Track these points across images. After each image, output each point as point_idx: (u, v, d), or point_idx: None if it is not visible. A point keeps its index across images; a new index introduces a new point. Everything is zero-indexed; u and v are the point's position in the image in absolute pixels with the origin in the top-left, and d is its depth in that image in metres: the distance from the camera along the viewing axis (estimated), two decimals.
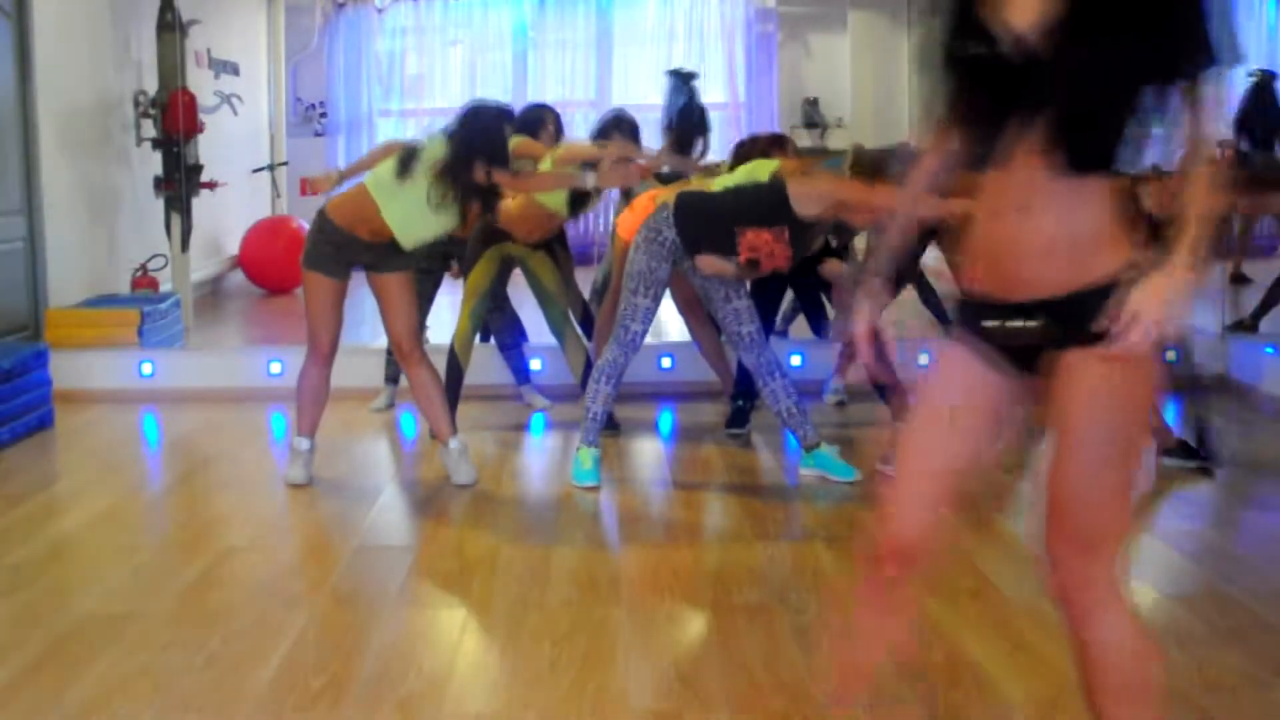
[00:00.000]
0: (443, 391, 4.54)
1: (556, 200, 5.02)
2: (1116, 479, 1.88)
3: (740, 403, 5.23)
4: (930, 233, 6.05)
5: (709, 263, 4.39)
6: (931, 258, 6.14)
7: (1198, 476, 4.46)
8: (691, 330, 5.52)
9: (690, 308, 5.42)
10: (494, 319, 5.65)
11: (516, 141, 4.91)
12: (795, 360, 5.89)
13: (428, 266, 5.18)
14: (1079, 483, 1.88)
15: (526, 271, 5.29)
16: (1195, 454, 4.51)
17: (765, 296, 5.03)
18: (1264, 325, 6.51)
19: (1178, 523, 4.19)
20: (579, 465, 4.44)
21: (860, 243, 5.42)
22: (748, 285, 4.60)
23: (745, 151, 5.03)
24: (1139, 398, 1.87)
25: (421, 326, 5.10)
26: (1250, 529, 3.98)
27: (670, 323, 5.00)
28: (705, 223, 4.40)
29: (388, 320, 4.49)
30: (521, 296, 5.62)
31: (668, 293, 4.74)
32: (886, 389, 5.20)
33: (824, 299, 5.78)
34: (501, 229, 5.12)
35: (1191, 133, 1.82)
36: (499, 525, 4.04)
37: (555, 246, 5.34)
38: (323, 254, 4.35)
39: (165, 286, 7.34)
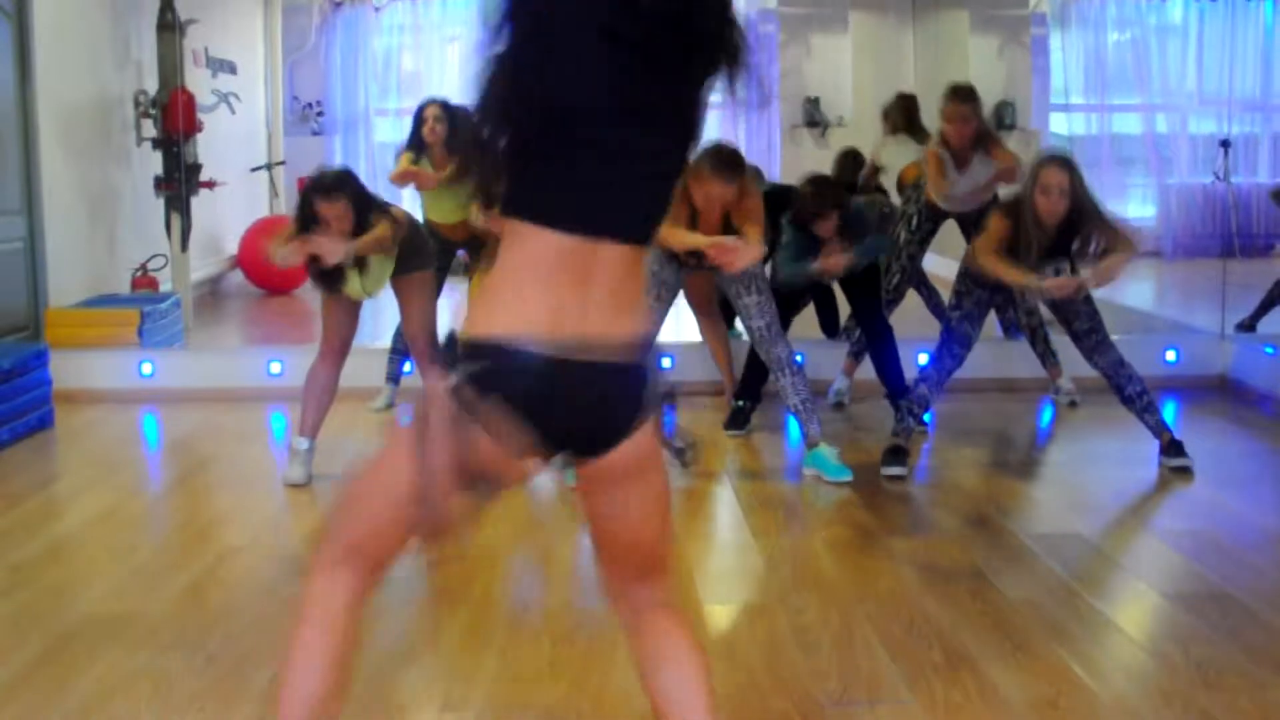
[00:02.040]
0: None
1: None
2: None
3: (741, 403, 5.23)
4: (929, 233, 6.08)
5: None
6: (932, 262, 6.16)
7: (1195, 476, 4.46)
8: (701, 330, 5.54)
9: (701, 307, 5.43)
10: None
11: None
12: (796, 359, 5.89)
13: (439, 264, 5.17)
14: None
15: None
16: (1179, 451, 4.52)
17: (783, 299, 5.05)
18: (1264, 326, 6.51)
19: (1177, 522, 4.20)
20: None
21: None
22: (760, 281, 4.57)
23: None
24: None
25: None
26: (1250, 529, 3.98)
27: (668, 323, 5.01)
28: None
29: (405, 318, 4.54)
30: None
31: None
32: (896, 396, 5.20)
33: (836, 299, 5.79)
34: None
35: None
36: (499, 525, 4.03)
37: None
38: None
39: (165, 286, 7.34)
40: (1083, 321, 4.52)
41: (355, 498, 1.89)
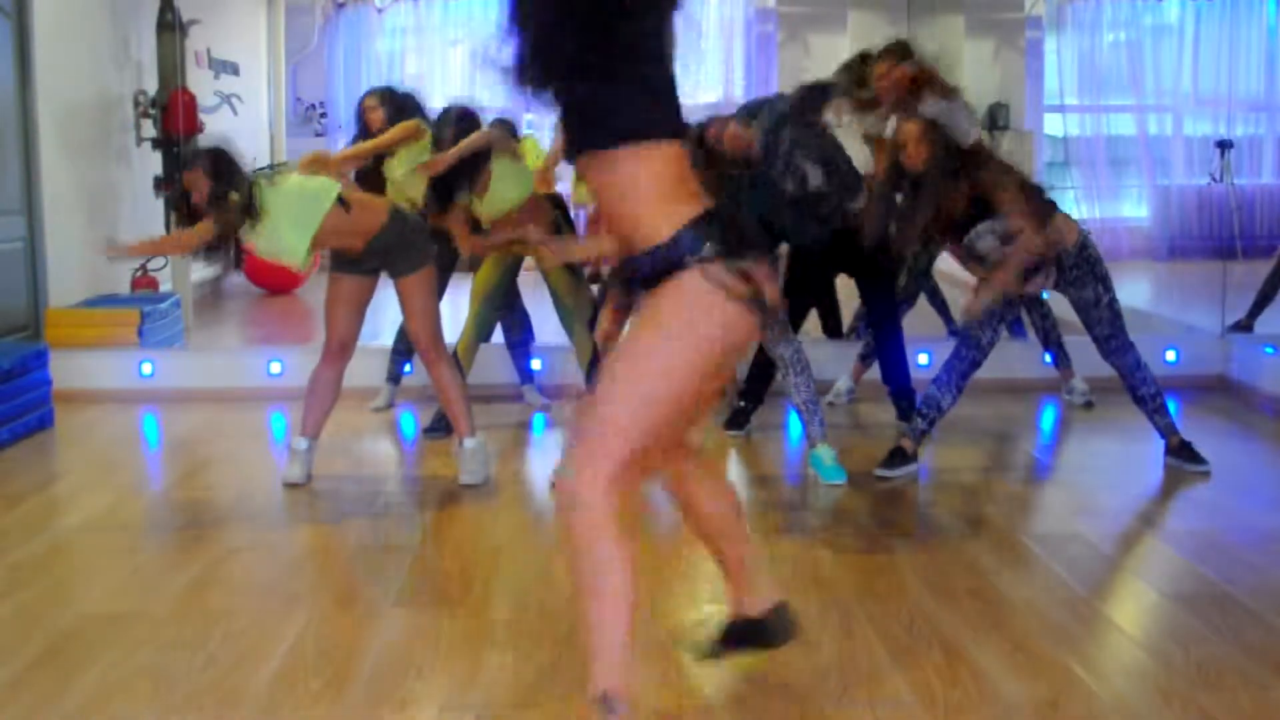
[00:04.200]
0: (464, 390, 4.54)
1: (516, 190, 5.02)
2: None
3: (743, 404, 5.23)
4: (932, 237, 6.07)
5: None
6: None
7: (1204, 478, 4.47)
8: None
9: None
10: (504, 315, 5.66)
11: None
12: None
13: (440, 265, 5.11)
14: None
15: (540, 268, 5.29)
16: (1194, 456, 4.52)
17: (794, 303, 5.04)
18: (1263, 326, 6.51)
19: (1178, 523, 4.20)
20: None
21: None
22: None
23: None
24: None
25: None
26: (1250, 529, 3.98)
27: None
28: None
29: (408, 321, 4.51)
30: (533, 293, 5.63)
31: None
32: (899, 395, 5.19)
33: (838, 300, 5.79)
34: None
35: None
36: (499, 525, 4.04)
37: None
38: (340, 254, 4.38)
39: (165, 286, 7.34)
40: (1101, 329, 4.49)
41: (630, 414, 2.10)
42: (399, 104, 5.56)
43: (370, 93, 5.68)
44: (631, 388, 2.12)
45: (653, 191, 2.15)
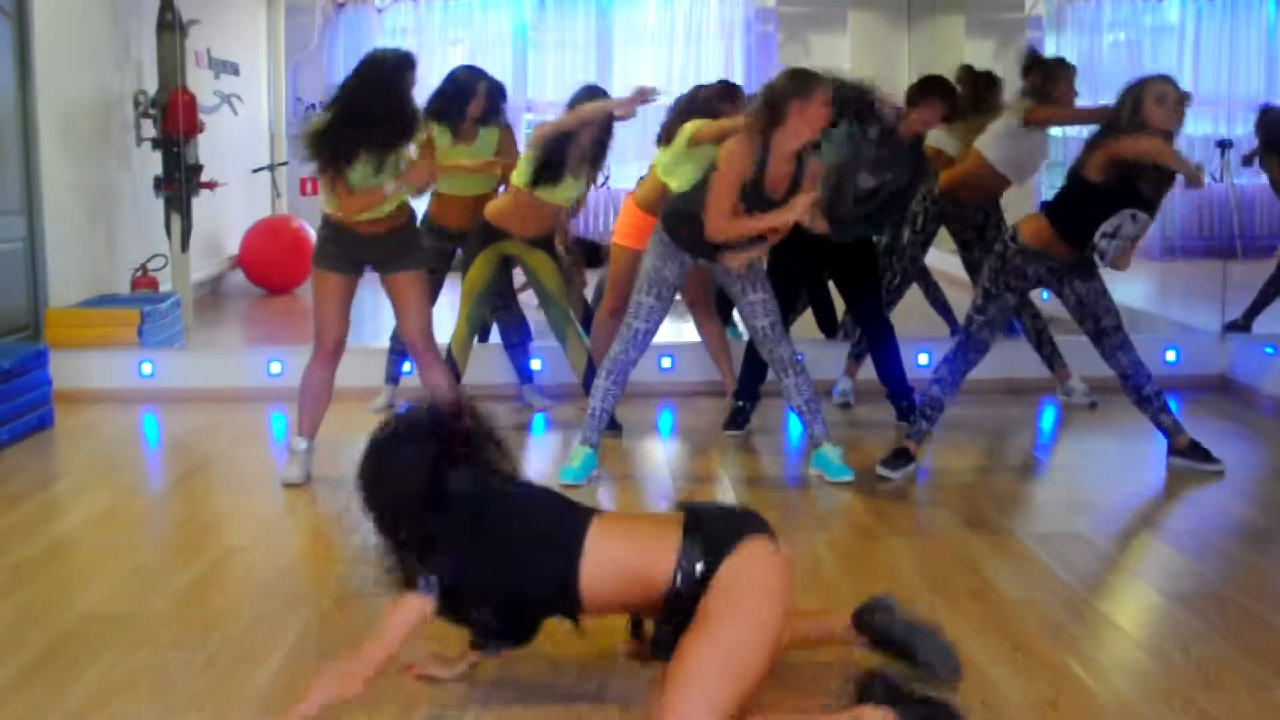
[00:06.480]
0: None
1: (560, 194, 4.99)
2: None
3: (741, 404, 5.22)
4: (932, 234, 6.07)
5: (734, 258, 4.31)
6: (934, 258, 6.16)
7: (1203, 477, 4.47)
8: (698, 327, 5.52)
9: (697, 304, 5.42)
10: (501, 317, 5.65)
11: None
12: None
13: (432, 266, 5.10)
14: None
15: (527, 270, 5.26)
16: (1207, 456, 4.51)
17: (779, 294, 5.03)
18: (1264, 326, 6.51)
19: (1178, 523, 4.20)
20: (569, 463, 4.45)
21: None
22: (763, 280, 4.50)
23: (686, 109, 5.06)
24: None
25: None
26: (1250, 530, 3.98)
27: (669, 323, 5.00)
28: (696, 225, 4.27)
29: (400, 320, 4.51)
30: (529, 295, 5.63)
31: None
32: (898, 396, 5.19)
33: (833, 298, 5.79)
34: (498, 227, 5.09)
35: None
36: None
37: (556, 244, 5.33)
38: (329, 252, 4.37)
39: (165, 286, 7.34)
40: (1110, 318, 4.47)
41: (730, 689, 2.36)
42: (498, 100, 5.37)
43: (475, 72, 5.35)
44: (717, 690, 2.34)
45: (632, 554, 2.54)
